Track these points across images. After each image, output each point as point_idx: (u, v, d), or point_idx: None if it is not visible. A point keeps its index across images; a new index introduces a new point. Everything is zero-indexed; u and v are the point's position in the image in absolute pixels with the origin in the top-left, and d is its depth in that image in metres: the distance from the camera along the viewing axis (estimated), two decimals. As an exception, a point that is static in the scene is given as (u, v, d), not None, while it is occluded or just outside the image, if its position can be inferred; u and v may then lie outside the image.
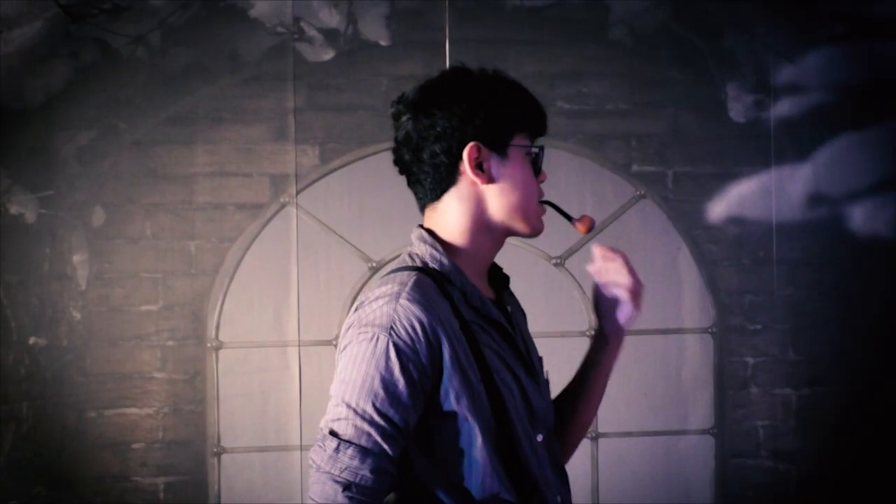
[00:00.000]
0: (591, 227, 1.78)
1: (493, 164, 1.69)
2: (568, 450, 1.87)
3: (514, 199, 1.70)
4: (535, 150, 1.73)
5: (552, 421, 1.78)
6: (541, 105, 1.74)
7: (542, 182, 1.75)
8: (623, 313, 1.79)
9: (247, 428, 3.70)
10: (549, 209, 1.77)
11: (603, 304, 1.81)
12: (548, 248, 3.76)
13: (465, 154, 1.67)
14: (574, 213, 1.79)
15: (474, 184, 1.69)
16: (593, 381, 1.84)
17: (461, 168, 1.68)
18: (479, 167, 1.68)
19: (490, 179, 1.69)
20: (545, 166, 1.77)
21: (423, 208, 1.75)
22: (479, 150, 1.68)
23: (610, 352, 1.82)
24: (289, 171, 3.68)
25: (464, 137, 1.67)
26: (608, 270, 1.78)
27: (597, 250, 1.79)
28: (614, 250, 1.78)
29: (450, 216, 1.71)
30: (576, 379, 1.86)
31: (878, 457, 3.61)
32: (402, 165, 1.74)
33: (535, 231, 1.74)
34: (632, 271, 1.76)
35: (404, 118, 1.71)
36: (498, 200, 1.70)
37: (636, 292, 1.77)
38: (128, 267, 3.67)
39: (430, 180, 1.71)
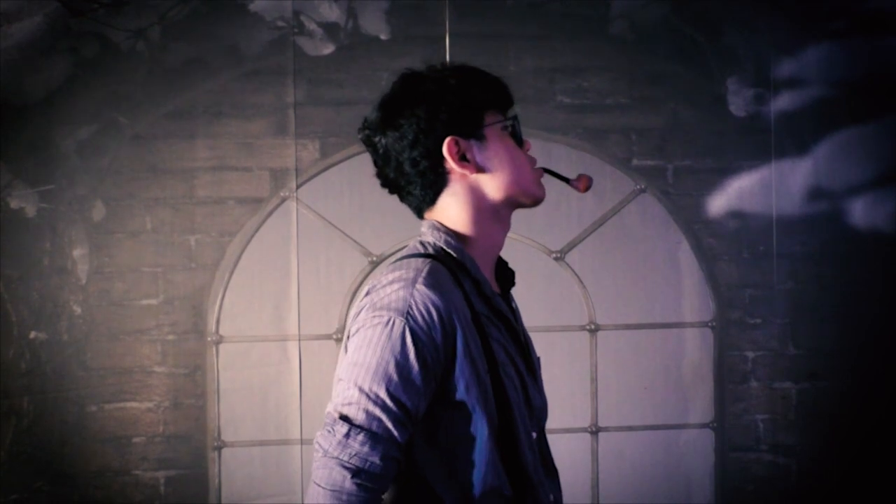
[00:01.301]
0: (589, 185, 1.78)
1: (476, 152, 1.69)
2: None
3: (508, 176, 1.70)
4: (508, 122, 1.73)
5: (545, 420, 1.78)
6: (498, 78, 1.74)
7: (528, 150, 1.75)
8: None
9: (247, 422, 3.70)
10: (552, 179, 1.77)
11: None
12: (548, 243, 3.76)
13: (444, 151, 1.67)
14: (573, 181, 1.80)
15: (464, 176, 1.69)
16: None
17: (447, 166, 1.68)
18: (463, 159, 1.68)
19: (478, 167, 1.69)
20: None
21: (421, 217, 1.75)
22: (456, 142, 1.68)
23: None
24: (289, 166, 3.68)
25: (437, 136, 1.67)
26: None
27: None
28: None
29: (451, 212, 1.71)
30: None
31: (878, 451, 3.61)
32: (390, 184, 1.75)
33: (538, 198, 1.74)
34: None
35: (375, 139, 1.71)
36: (493, 183, 1.70)
37: None
38: (128, 261, 3.67)
39: (419, 188, 1.71)
